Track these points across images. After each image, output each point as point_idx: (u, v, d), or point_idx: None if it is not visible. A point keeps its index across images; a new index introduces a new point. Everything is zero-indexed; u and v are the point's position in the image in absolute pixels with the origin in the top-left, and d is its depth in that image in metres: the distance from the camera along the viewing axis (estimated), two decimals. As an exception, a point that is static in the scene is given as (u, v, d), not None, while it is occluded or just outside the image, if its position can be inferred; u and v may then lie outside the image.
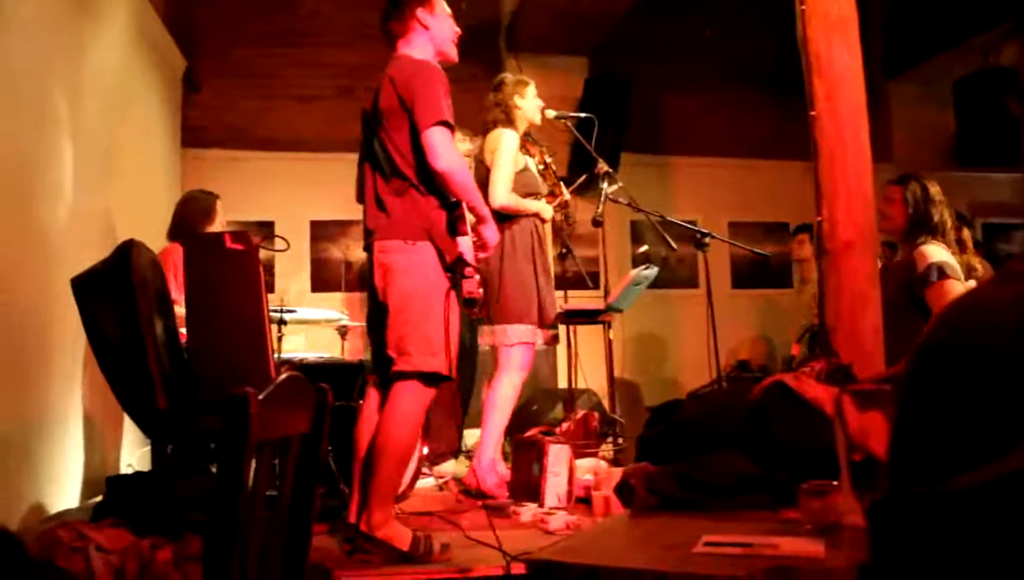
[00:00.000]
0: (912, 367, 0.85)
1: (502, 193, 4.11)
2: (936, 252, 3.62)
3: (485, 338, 4.19)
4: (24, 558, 1.05)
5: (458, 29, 3.29)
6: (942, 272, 3.56)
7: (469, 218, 3.10)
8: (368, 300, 3.25)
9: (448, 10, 3.26)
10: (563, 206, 4.49)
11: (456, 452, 5.00)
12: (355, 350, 5.94)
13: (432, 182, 3.00)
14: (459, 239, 3.04)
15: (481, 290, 3.03)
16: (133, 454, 4.83)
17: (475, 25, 7.12)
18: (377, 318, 3.09)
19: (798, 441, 1.90)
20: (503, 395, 4.09)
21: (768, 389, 2.18)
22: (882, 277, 3.53)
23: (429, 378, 2.94)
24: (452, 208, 3.06)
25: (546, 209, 4.31)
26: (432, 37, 3.17)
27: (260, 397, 1.11)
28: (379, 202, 3.03)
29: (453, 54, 3.26)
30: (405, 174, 2.98)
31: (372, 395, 3.18)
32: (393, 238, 2.98)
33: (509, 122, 4.26)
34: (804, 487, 1.59)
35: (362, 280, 6.72)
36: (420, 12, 3.15)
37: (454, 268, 2.99)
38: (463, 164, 3.07)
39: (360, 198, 3.30)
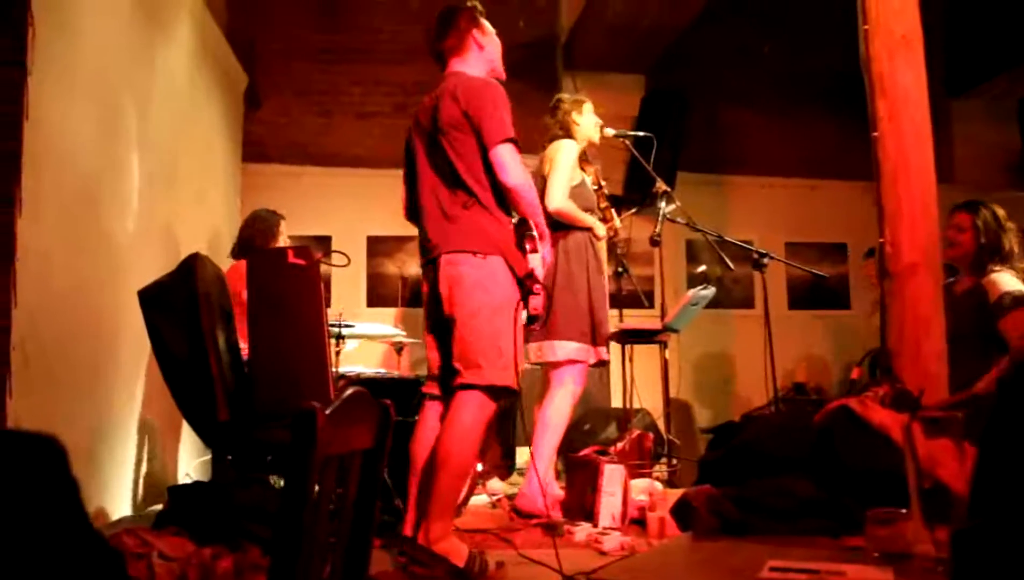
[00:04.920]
0: (999, 398, 0.83)
1: (559, 197, 4.02)
2: (1008, 281, 3.59)
3: (531, 355, 4.03)
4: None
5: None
6: (1018, 301, 3.50)
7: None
8: (427, 313, 3.22)
9: (493, 29, 3.32)
10: (613, 233, 4.35)
11: (510, 468, 4.98)
12: (410, 366, 5.96)
13: (499, 198, 3.03)
14: (530, 256, 3.06)
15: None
16: (190, 464, 4.91)
17: (532, 43, 7.21)
18: (440, 331, 3.08)
19: (867, 465, 1.87)
20: (555, 415, 3.98)
21: (833, 413, 2.15)
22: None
23: (495, 391, 2.95)
24: (521, 225, 3.08)
25: (600, 227, 4.20)
26: (486, 56, 3.25)
27: (327, 412, 1.11)
28: (445, 214, 3.04)
29: (502, 71, 3.33)
30: (471, 189, 3.01)
31: (428, 410, 3.17)
32: (462, 250, 2.99)
33: (569, 138, 4.22)
34: (871, 514, 1.56)
35: (415, 296, 6.73)
36: (475, 32, 3.23)
37: (524, 284, 3.01)
38: (530, 181, 3.09)
39: (411, 215, 3.32)
